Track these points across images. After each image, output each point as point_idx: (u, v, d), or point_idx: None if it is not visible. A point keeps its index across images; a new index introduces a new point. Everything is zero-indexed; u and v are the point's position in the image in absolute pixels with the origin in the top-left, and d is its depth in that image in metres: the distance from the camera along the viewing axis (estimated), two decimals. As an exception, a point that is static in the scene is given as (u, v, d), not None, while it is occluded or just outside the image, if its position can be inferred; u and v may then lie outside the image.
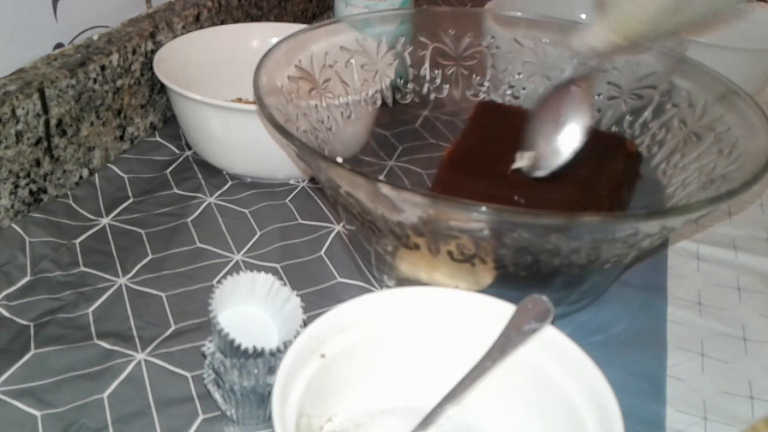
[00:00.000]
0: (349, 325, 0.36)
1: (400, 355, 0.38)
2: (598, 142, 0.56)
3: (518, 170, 0.50)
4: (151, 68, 0.64)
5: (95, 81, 0.58)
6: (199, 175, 0.62)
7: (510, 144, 0.56)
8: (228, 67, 0.68)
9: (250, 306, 0.41)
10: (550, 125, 0.47)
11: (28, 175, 0.54)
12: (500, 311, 0.37)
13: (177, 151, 0.65)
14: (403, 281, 0.47)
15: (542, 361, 0.36)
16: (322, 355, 0.35)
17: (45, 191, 0.56)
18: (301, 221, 0.57)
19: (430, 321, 0.38)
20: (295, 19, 0.92)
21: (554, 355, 0.36)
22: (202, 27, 0.71)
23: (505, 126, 0.57)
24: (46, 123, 0.54)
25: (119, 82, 0.61)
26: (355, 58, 0.59)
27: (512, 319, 0.37)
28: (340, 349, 0.36)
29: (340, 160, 0.55)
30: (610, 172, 0.53)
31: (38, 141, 0.54)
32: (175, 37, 0.67)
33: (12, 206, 0.53)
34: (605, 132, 0.59)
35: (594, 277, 0.47)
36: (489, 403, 0.38)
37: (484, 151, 0.56)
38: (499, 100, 0.65)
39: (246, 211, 0.58)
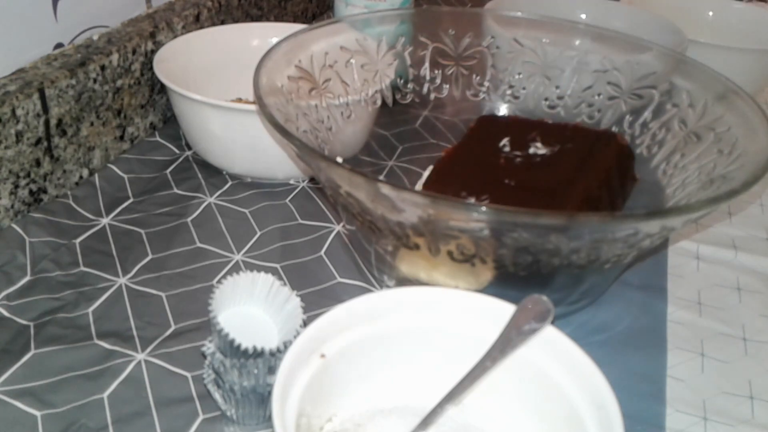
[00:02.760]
0: (349, 324, 0.36)
1: (400, 355, 0.38)
2: (589, 136, 0.57)
3: (509, 158, 0.53)
4: (151, 68, 0.64)
5: (95, 81, 0.58)
6: (199, 175, 0.62)
7: (508, 142, 0.57)
8: (228, 67, 0.68)
9: (250, 306, 0.41)
10: None
11: (28, 175, 0.54)
12: (500, 311, 0.37)
13: (177, 151, 0.65)
14: (403, 281, 0.47)
15: (542, 361, 0.36)
16: (322, 355, 0.35)
17: (45, 191, 0.56)
18: (301, 221, 0.57)
19: (430, 321, 0.38)
20: (295, 19, 0.92)
21: (554, 355, 0.36)
22: (202, 27, 0.71)
23: (503, 132, 0.58)
24: (46, 123, 0.54)
25: (119, 82, 0.61)
26: (355, 58, 0.59)
27: (512, 319, 0.37)
28: (340, 348, 0.36)
29: (340, 160, 0.55)
30: (600, 158, 0.54)
31: (38, 141, 0.54)
32: (175, 37, 0.67)
33: (12, 206, 0.53)
34: (597, 129, 0.59)
35: (594, 277, 0.47)
36: (489, 403, 0.38)
37: (478, 149, 0.57)
38: (499, 100, 0.65)
39: (246, 211, 0.58)
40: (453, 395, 0.36)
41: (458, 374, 0.36)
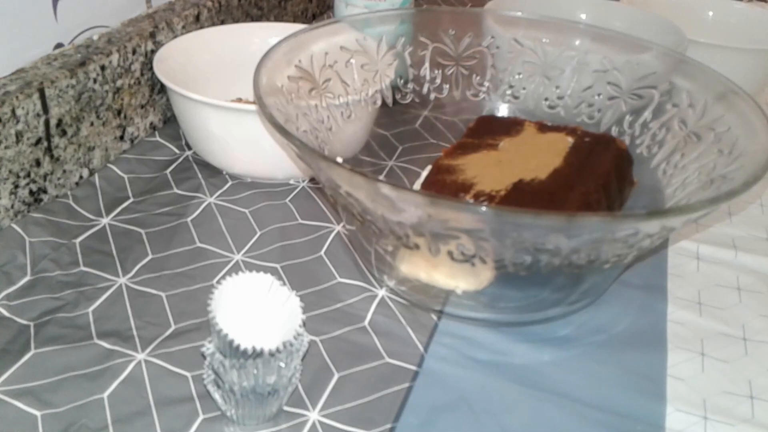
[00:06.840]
0: None
1: None
2: (588, 139, 0.57)
3: (508, 162, 0.52)
4: (151, 68, 0.64)
5: (95, 81, 0.58)
6: (199, 175, 0.62)
7: (504, 139, 0.57)
8: (228, 67, 0.68)
9: (249, 306, 0.41)
10: None
11: (28, 175, 0.54)
12: None
13: (177, 151, 0.65)
14: (404, 281, 0.47)
15: None
16: None
17: (45, 191, 0.56)
18: (301, 221, 0.57)
19: None
20: (295, 19, 0.92)
21: None
22: (202, 27, 0.71)
23: (502, 131, 0.58)
24: (46, 123, 0.54)
25: (119, 82, 0.61)
26: (355, 58, 0.59)
27: None
28: None
29: (340, 160, 0.55)
30: (599, 162, 0.54)
31: (38, 141, 0.54)
32: (175, 37, 0.67)
33: (12, 206, 0.53)
34: (595, 133, 0.60)
35: (594, 277, 0.47)
36: None
37: (477, 148, 0.57)
38: (499, 100, 0.65)
39: (246, 211, 0.58)
40: None
41: None
